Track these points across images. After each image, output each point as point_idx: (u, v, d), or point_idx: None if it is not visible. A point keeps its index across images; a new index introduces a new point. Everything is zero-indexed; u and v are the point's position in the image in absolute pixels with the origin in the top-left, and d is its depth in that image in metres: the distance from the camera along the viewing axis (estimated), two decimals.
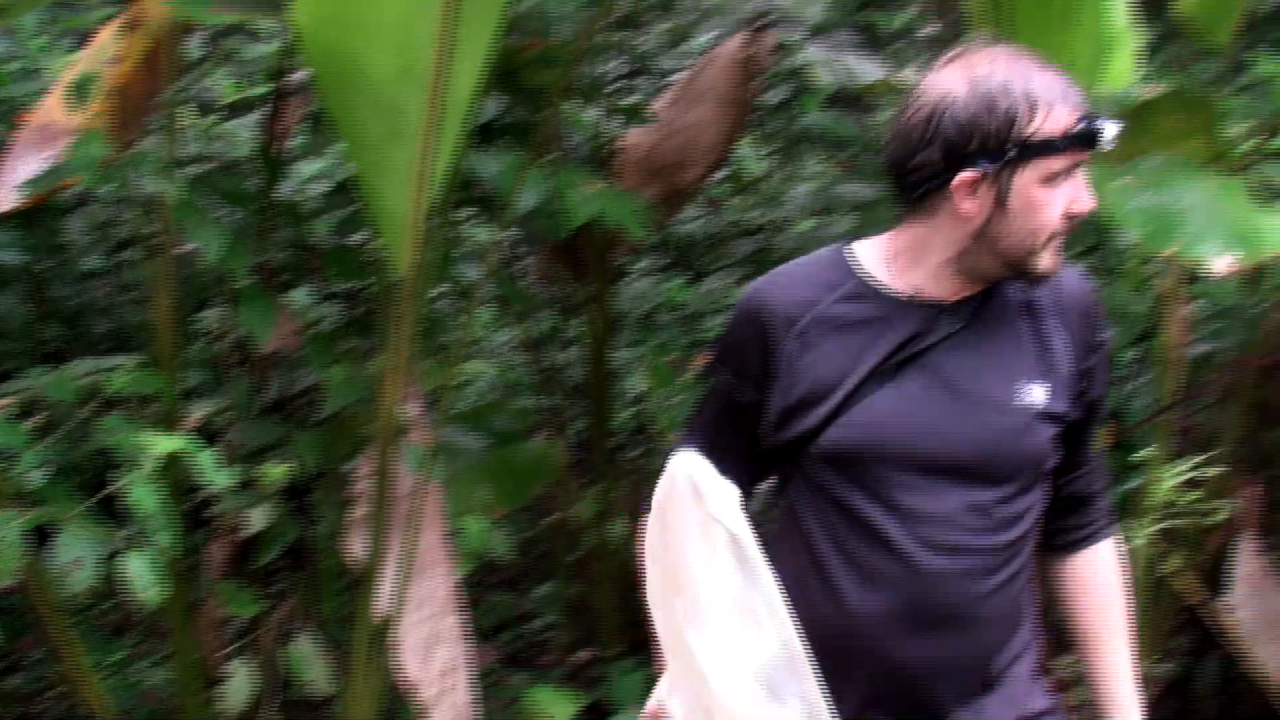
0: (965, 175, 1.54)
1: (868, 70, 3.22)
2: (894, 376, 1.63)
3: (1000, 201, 1.54)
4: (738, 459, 1.71)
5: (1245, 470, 3.06)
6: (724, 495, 1.54)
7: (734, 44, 2.53)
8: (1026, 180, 1.53)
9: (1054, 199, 1.54)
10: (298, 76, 2.83)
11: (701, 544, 1.53)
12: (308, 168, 3.19)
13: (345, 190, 2.87)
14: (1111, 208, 1.92)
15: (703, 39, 3.91)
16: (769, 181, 3.97)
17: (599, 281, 3.34)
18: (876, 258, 1.68)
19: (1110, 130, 1.53)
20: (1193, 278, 2.76)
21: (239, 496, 2.56)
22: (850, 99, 3.56)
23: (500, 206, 2.62)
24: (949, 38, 2.97)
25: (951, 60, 1.59)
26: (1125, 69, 3.12)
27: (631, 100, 3.06)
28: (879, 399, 1.63)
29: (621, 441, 4.04)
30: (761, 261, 3.33)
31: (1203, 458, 2.68)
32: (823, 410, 1.64)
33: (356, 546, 2.56)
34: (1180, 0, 2.21)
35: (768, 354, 1.67)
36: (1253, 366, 2.91)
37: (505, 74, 2.50)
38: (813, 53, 3.24)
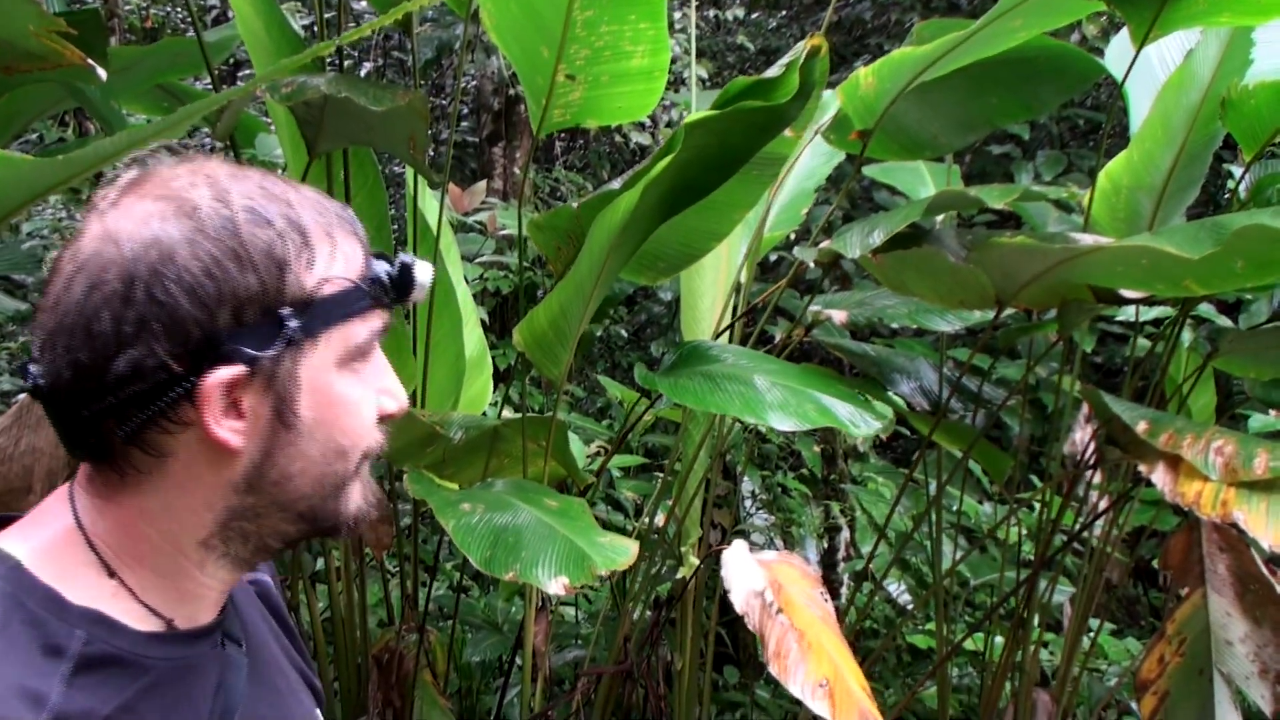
0: (219, 377, 0.88)
1: None
2: None
3: (282, 413, 0.92)
4: None
5: None
6: None
7: None
8: (317, 367, 0.93)
9: (363, 391, 0.97)
10: None
11: None
12: None
13: None
14: (454, 533, 1.98)
15: None
16: None
17: None
18: (71, 569, 0.92)
19: (424, 271, 0.99)
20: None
21: None
22: None
23: None
24: None
25: (130, 190, 0.91)
26: (483, 392, 3.33)
27: None
28: None
29: None
30: None
31: None
32: None
33: None
34: (516, 335, 2.39)
35: None
36: (610, 672, 3.07)
37: None
38: None
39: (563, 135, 7.12)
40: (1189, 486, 2.32)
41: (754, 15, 8.46)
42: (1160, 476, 2.37)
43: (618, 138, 6.68)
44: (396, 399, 1.00)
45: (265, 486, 0.94)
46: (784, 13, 9.15)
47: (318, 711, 1.14)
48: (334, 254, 0.93)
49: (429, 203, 3.12)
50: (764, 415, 2.29)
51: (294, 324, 0.90)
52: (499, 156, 6.34)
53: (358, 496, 1.00)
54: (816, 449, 4.72)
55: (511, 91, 6.23)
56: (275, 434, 0.93)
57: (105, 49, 1.74)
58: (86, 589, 0.91)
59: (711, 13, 7.79)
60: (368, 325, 0.96)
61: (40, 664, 0.86)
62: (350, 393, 0.96)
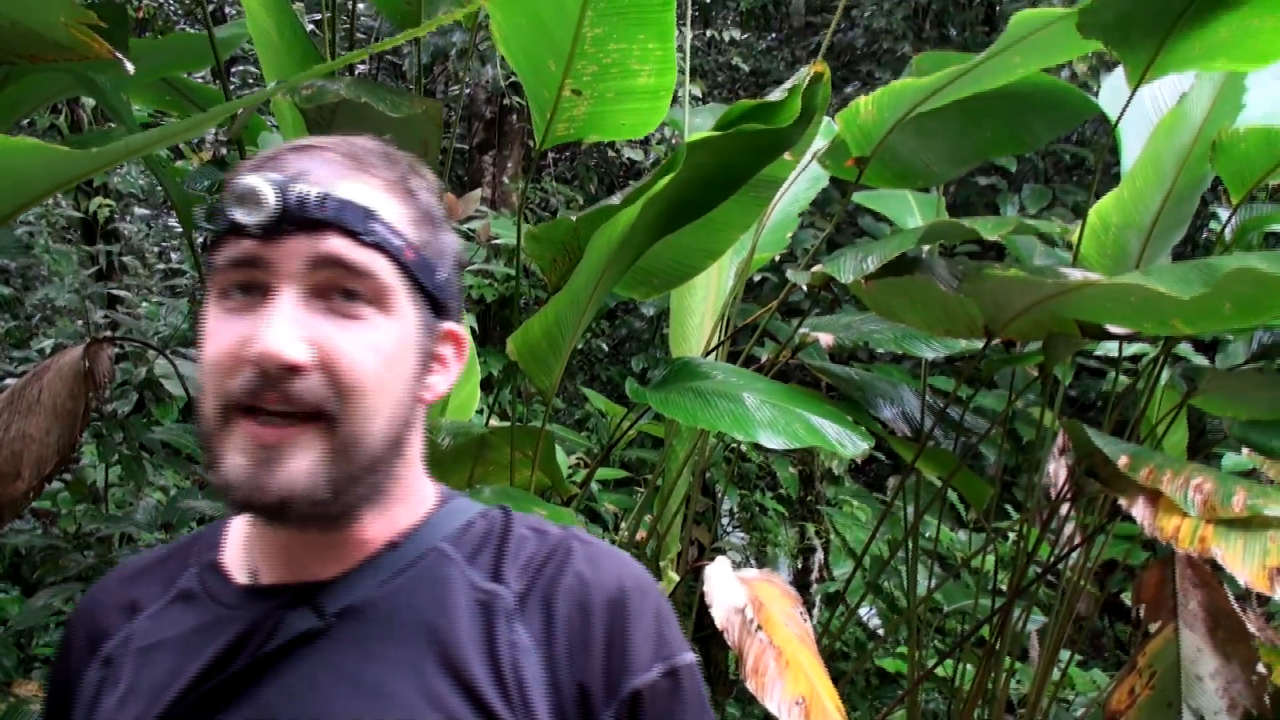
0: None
1: None
2: None
3: None
4: None
5: None
6: None
7: (73, 354, 2.40)
8: (210, 304, 0.97)
9: (225, 329, 0.94)
10: None
11: None
12: None
13: None
14: None
15: (46, 343, 3.72)
16: (114, 492, 3.77)
17: None
18: (248, 520, 1.07)
19: (266, 189, 0.92)
20: None
21: None
22: None
23: None
24: None
25: None
26: (471, 398, 3.34)
27: None
28: None
29: None
30: (99, 575, 3.10)
31: None
32: None
33: None
34: (510, 344, 2.41)
35: (67, 695, 1.07)
36: None
37: None
38: (163, 364, 3.16)
39: (554, 147, 7.12)
40: (1168, 521, 2.36)
41: (743, 36, 8.53)
42: (1140, 511, 2.41)
43: (610, 152, 6.71)
44: (256, 343, 0.91)
45: None
46: (773, 35, 9.22)
47: None
48: (222, 200, 0.96)
49: None
50: (754, 433, 2.32)
51: (208, 268, 0.97)
52: (489, 165, 6.36)
53: (228, 461, 0.93)
54: (793, 470, 4.75)
55: (506, 101, 6.26)
56: None
57: (127, 42, 1.75)
58: (239, 536, 1.07)
59: (708, 32, 7.85)
60: (220, 254, 0.95)
61: (155, 590, 1.07)
62: (208, 327, 0.95)
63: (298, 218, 0.93)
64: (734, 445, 3.93)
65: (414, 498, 1.08)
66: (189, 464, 3.42)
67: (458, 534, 1.07)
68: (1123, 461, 2.49)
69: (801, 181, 3.22)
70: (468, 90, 6.56)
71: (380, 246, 0.96)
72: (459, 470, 2.79)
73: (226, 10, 6.74)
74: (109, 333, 3.03)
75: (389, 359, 0.97)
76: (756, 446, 4.13)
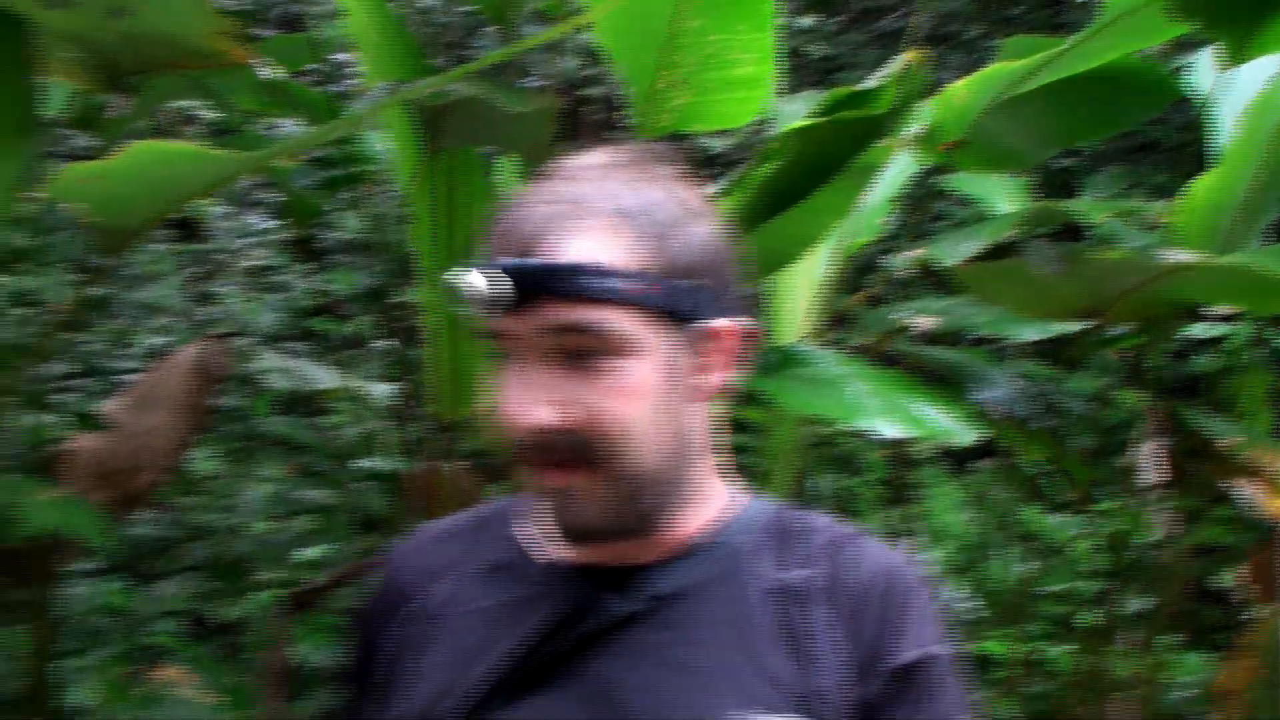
0: None
1: (320, 377, 3.26)
2: (516, 696, 1.03)
3: None
4: None
5: None
6: None
7: (193, 350, 2.48)
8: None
9: (499, 391, 1.03)
10: None
11: None
12: None
13: None
14: None
15: (150, 341, 3.81)
16: (222, 484, 3.86)
17: (38, 585, 3.00)
18: None
19: (481, 282, 0.98)
20: None
21: None
22: (304, 404, 3.59)
23: None
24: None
25: None
26: None
27: (79, 403, 2.91)
28: None
29: None
30: (214, 566, 3.19)
31: None
32: None
33: None
34: None
35: (370, 649, 1.15)
36: None
37: None
38: (268, 359, 3.24)
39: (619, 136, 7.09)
40: (1276, 502, 2.36)
41: (807, 21, 8.49)
42: (1247, 491, 2.41)
43: (692, 140, 6.70)
44: (506, 406, 1.02)
45: None
46: (839, 17, 9.14)
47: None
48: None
49: None
50: (868, 421, 2.32)
51: None
52: None
53: (531, 489, 1.06)
54: (880, 454, 4.75)
55: (580, 92, 6.27)
56: None
57: (252, 48, 1.81)
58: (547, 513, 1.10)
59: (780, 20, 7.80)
60: (488, 326, 1.02)
61: (461, 557, 1.14)
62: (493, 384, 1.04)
63: (517, 298, 0.98)
64: (825, 429, 3.94)
65: (713, 492, 1.15)
66: (298, 453, 3.50)
67: (750, 527, 1.14)
68: (1227, 443, 2.49)
69: (893, 167, 3.22)
70: (540, 83, 6.60)
71: (603, 299, 0.98)
72: None
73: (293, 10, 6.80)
74: (220, 330, 3.13)
75: (642, 398, 1.01)
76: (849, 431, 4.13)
